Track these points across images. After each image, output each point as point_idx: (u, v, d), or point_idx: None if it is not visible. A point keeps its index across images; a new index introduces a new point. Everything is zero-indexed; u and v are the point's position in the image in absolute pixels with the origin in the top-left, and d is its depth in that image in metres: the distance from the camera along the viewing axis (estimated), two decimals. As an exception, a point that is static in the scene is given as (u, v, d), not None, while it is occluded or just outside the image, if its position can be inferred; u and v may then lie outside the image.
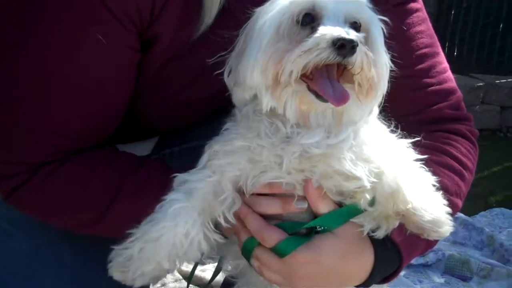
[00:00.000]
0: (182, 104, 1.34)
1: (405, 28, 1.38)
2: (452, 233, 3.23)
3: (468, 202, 3.83)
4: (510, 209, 3.55)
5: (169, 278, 2.29)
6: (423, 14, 1.46)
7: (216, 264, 1.40)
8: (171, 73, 1.27)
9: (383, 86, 1.11)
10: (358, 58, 1.01)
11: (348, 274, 1.17)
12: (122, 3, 1.12)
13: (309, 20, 1.06)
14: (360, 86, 1.07)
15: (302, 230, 1.15)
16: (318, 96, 1.04)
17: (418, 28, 1.41)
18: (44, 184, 1.22)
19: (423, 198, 1.06)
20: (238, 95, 1.15)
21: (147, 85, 1.29)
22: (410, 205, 1.05)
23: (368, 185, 1.06)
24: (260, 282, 1.27)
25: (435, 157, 1.33)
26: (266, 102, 1.08)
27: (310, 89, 1.05)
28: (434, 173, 1.25)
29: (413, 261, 2.63)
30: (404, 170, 1.08)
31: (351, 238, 1.14)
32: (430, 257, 2.66)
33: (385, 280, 1.24)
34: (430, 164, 1.25)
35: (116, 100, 1.25)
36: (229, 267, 1.35)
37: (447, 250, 2.74)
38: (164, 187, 1.15)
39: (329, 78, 1.04)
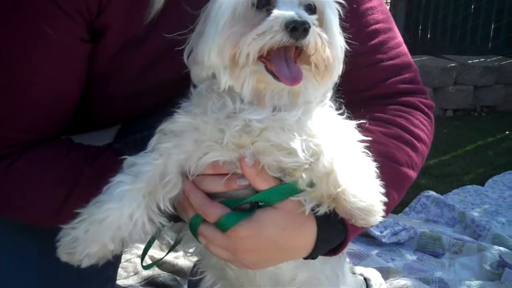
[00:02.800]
0: (138, 91, 1.34)
1: (355, 6, 1.36)
2: (424, 211, 3.27)
3: (442, 180, 3.88)
4: (482, 186, 3.63)
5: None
6: None
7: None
8: (124, 61, 1.27)
9: (338, 67, 1.13)
10: (311, 40, 1.04)
11: (291, 246, 1.19)
12: None
13: (264, 3, 1.08)
14: (316, 67, 1.09)
15: (246, 206, 1.16)
16: (275, 76, 1.06)
17: (369, 5, 1.40)
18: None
19: (357, 184, 1.05)
20: (197, 74, 1.17)
21: (100, 74, 1.29)
22: (340, 189, 1.04)
23: (303, 158, 1.06)
24: (218, 263, 1.29)
25: (385, 129, 1.32)
26: (225, 81, 1.10)
27: (268, 69, 1.07)
28: (383, 144, 1.26)
29: (386, 240, 2.67)
30: (343, 153, 1.08)
31: (292, 211, 1.15)
32: (402, 235, 2.69)
33: (332, 252, 1.25)
34: (380, 136, 1.27)
35: (68, 92, 1.25)
36: (190, 250, 1.37)
37: (419, 228, 2.78)
38: None
39: (286, 59, 1.06)
